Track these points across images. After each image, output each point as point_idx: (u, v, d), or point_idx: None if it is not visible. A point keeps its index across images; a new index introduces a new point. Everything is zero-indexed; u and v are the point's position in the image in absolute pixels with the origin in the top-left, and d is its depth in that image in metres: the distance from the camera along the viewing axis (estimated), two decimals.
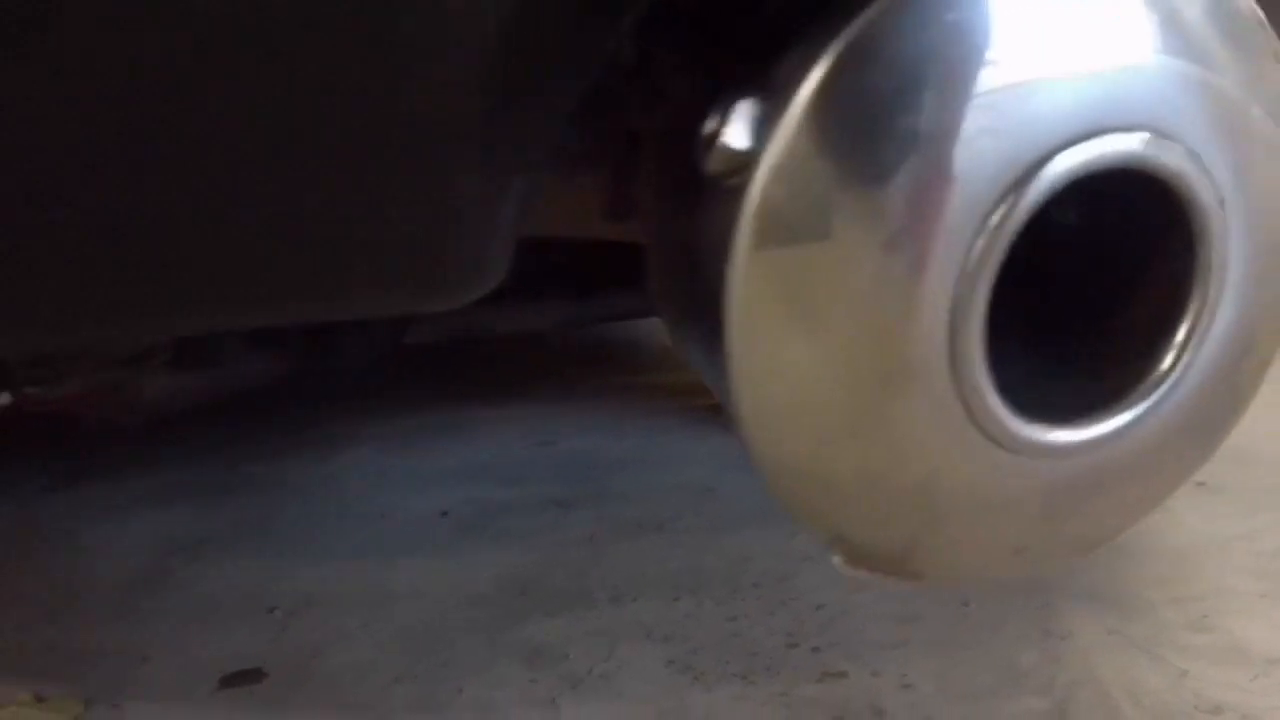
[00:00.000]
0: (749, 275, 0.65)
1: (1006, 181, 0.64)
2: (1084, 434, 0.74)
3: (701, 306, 0.73)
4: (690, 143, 0.69)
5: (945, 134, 0.64)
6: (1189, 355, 0.74)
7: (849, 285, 0.66)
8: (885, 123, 0.64)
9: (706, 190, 0.69)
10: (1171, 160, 0.68)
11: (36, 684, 1.38)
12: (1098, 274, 0.82)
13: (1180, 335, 0.74)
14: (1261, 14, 0.71)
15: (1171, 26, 0.68)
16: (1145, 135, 0.67)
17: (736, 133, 0.64)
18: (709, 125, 0.67)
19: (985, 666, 1.36)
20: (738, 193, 0.64)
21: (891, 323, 0.68)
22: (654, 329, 2.59)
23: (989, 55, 0.64)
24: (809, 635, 1.46)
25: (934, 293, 0.66)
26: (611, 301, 2.08)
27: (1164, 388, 0.75)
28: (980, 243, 0.65)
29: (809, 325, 0.68)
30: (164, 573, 1.67)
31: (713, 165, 0.66)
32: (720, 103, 0.66)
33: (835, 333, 0.68)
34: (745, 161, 0.64)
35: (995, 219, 0.65)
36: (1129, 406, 0.75)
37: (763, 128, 0.64)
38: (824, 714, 1.28)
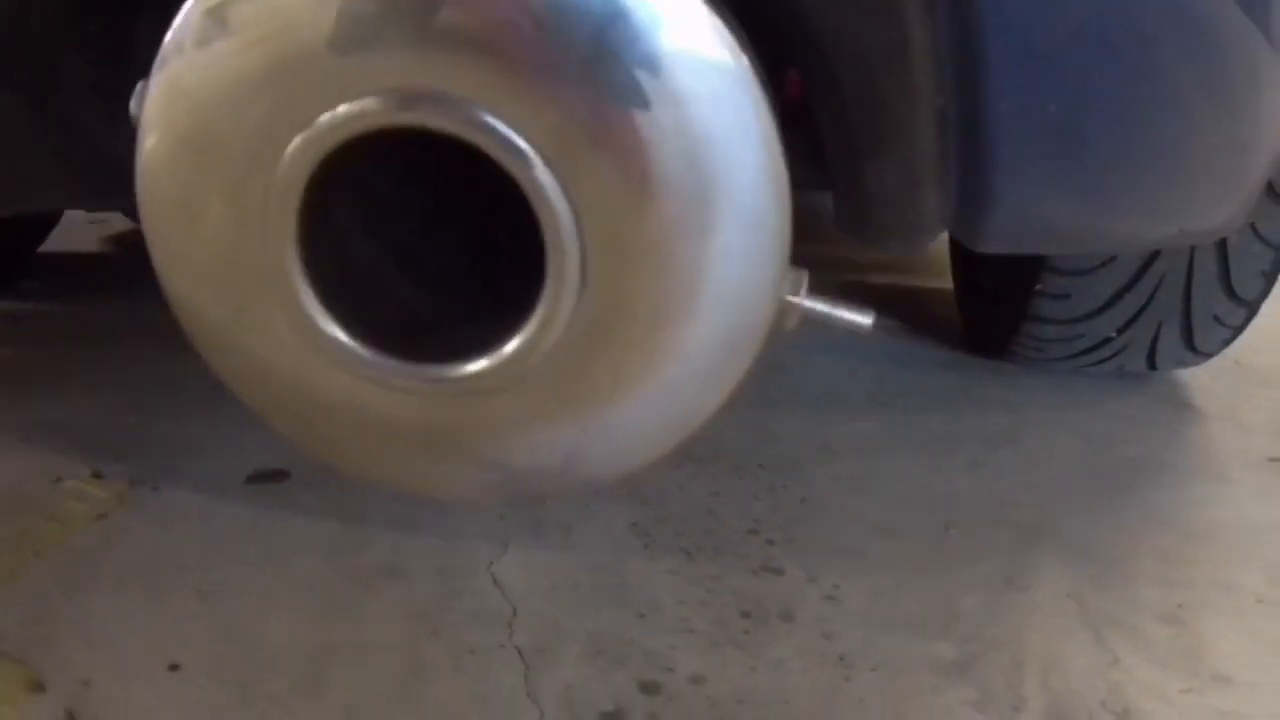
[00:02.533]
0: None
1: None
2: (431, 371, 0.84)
3: None
4: None
5: None
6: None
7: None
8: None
9: None
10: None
11: (99, 462, 1.64)
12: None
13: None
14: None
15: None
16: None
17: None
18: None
19: (923, 599, 1.35)
20: None
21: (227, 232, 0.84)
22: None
23: None
24: (774, 527, 1.49)
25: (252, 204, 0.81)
26: None
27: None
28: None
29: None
30: None
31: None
32: None
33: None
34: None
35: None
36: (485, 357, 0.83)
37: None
38: (736, 605, 1.33)
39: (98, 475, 1.60)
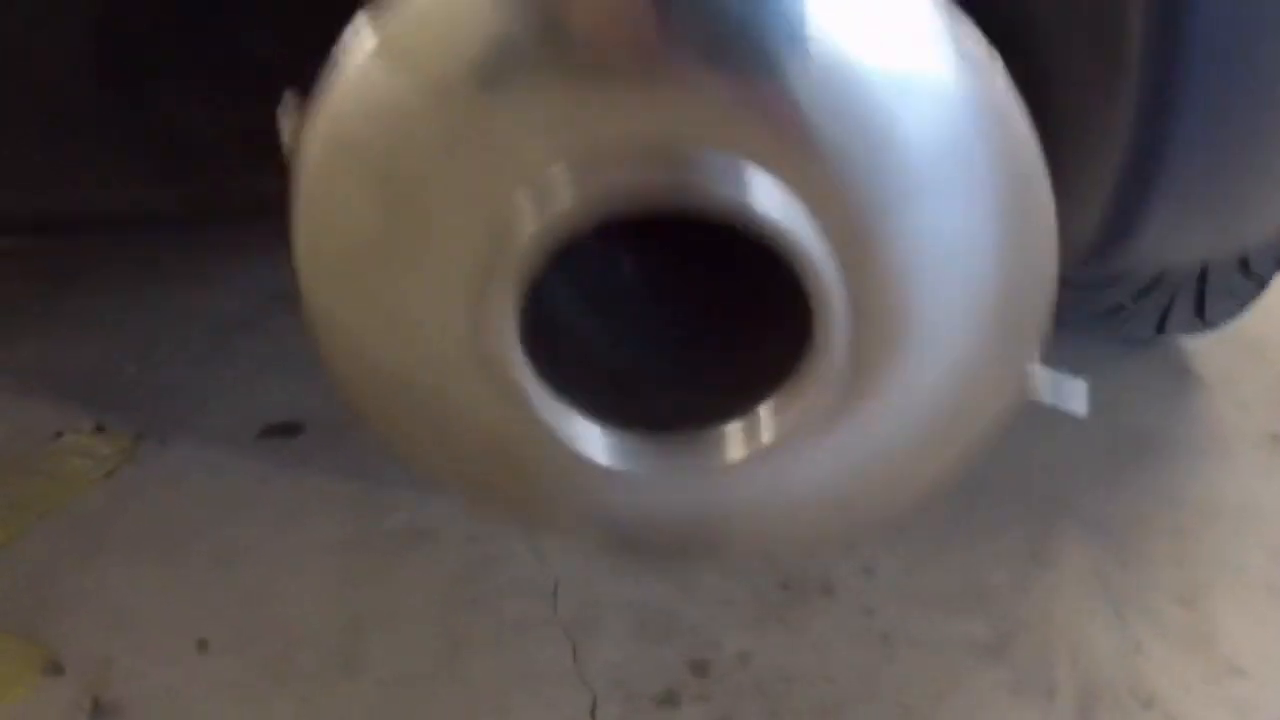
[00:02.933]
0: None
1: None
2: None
3: None
4: None
5: None
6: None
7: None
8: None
9: None
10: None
11: (101, 414, 1.53)
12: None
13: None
14: None
15: None
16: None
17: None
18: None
19: (954, 574, 1.35)
20: None
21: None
22: None
23: None
24: None
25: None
26: None
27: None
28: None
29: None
30: (253, 321, 1.74)
31: None
32: None
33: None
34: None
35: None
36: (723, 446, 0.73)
37: None
38: (774, 578, 1.31)
39: (100, 429, 1.51)
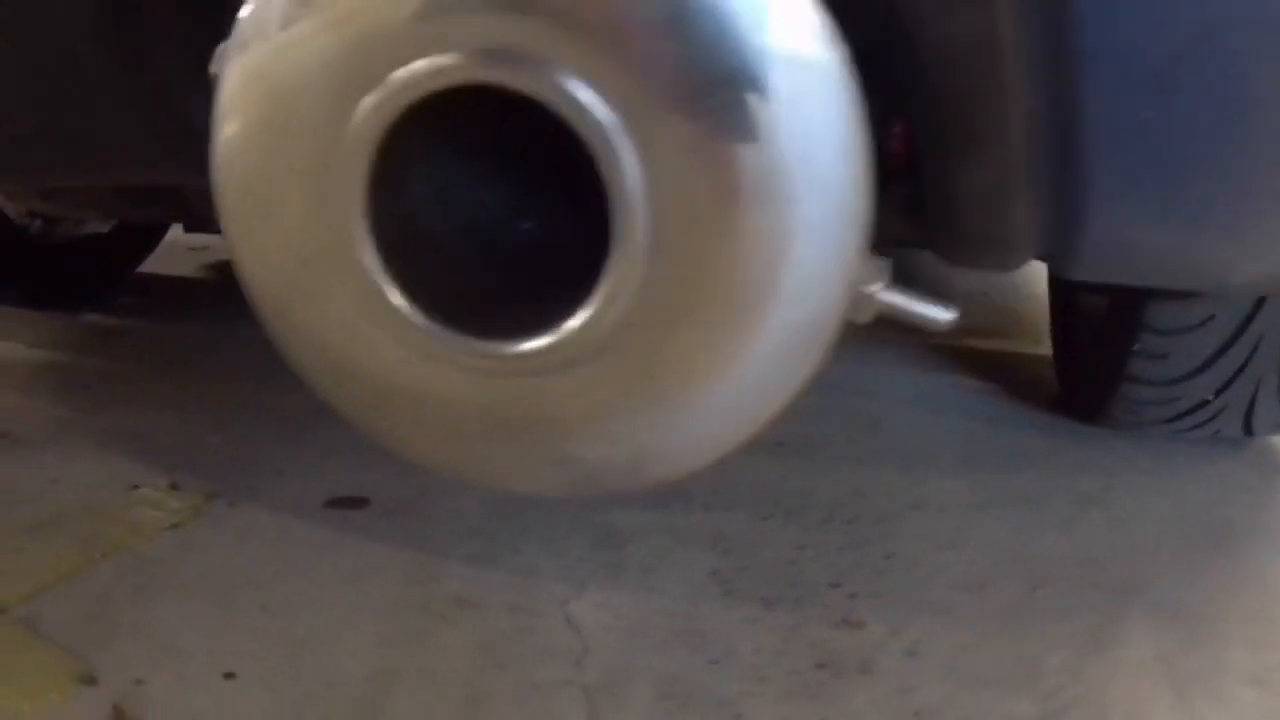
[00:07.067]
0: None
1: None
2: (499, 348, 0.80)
3: None
4: None
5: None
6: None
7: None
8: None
9: None
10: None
11: (178, 474, 1.64)
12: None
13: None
14: None
15: None
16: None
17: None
18: None
19: (1008, 656, 1.29)
20: None
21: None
22: None
23: None
24: (859, 580, 1.43)
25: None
26: None
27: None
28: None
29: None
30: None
31: None
32: None
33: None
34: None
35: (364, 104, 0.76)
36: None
37: None
38: (813, 657, 1.28)
39: (174, 486, 1.60)
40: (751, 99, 0.70)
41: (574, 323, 0.76)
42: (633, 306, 0.75)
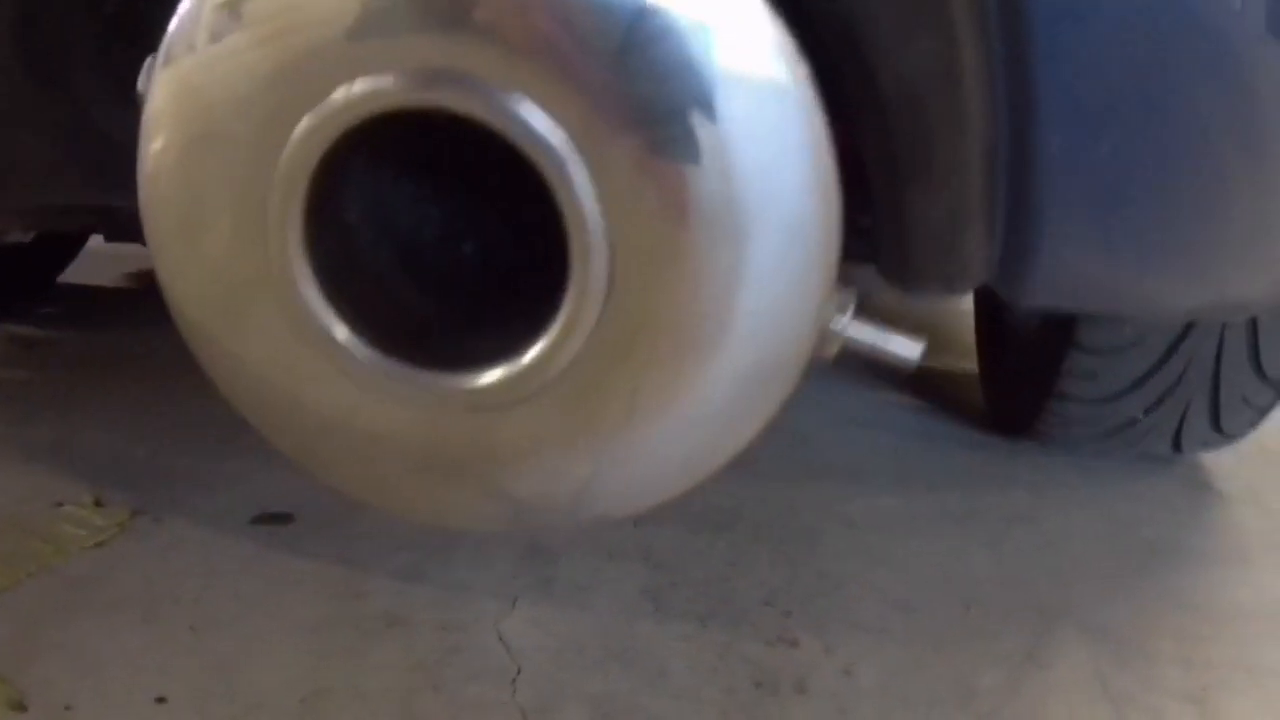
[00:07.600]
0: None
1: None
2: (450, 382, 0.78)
3: None
4: None
5: None
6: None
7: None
8: None
9: None
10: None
11: (103, 490, 1.61)
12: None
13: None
14: None
15: None
16: None
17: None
18: None
19: (942, 676, 1.30)
20: None
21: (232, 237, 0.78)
22: None
23: None
24: (792, 599, 1.44)
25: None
26: None
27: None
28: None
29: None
30: None
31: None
32: None
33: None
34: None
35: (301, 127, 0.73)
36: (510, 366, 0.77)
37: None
38: (748, 675, 1.28)
39: (99, 502, 1.57)
40: (705, 123, 0.69)
41: (528, 357, 0.74)
42: (586, 342, 0.73)
